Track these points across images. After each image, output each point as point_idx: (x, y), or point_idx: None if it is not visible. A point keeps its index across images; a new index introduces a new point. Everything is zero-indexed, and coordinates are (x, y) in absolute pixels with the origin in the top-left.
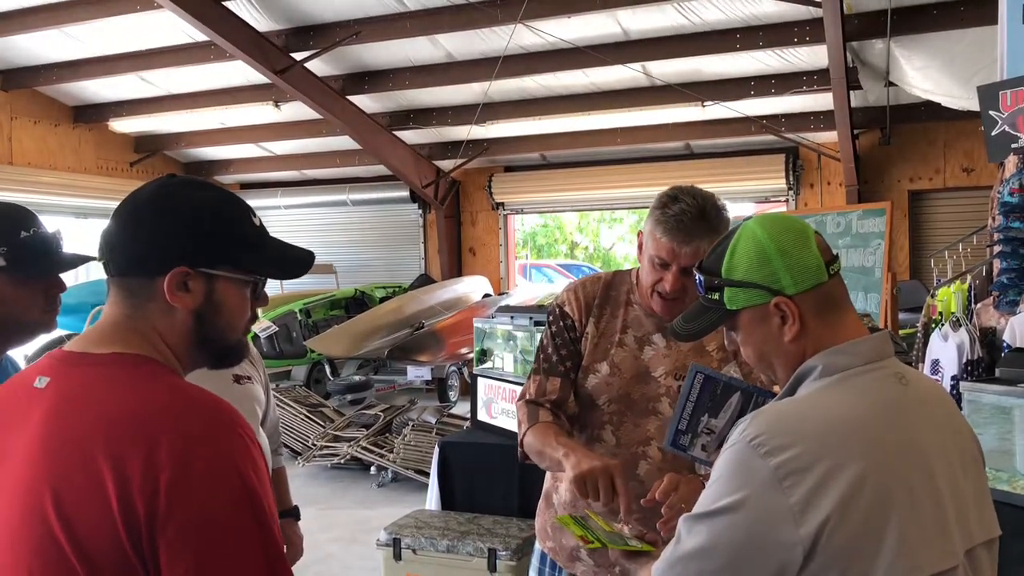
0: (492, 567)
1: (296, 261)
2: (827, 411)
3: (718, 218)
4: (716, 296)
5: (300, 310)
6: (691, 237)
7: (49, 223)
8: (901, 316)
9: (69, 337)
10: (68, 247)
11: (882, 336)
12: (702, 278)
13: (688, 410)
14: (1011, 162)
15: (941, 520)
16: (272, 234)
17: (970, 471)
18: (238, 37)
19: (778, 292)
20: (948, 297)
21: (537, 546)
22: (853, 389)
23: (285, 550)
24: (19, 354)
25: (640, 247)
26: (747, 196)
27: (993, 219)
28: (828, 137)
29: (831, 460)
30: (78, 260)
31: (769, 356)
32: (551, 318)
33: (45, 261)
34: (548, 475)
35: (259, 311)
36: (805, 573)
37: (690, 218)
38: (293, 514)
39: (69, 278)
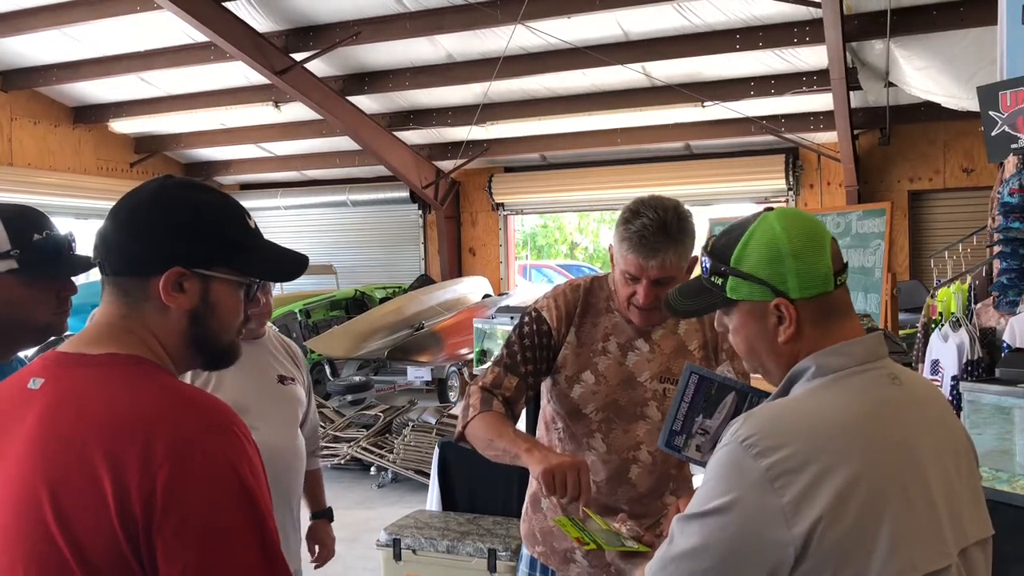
0: (492, 567)
1: (290, 264)
2: (820, 412)
3: (680, 228)
4: (719, 281)
5: (300, 311)
6: (655, 252)
7: (55, 225)
8: (901, 316)
9: (67, 337)
10: (79, 249)
11: (876, 337)
12: (709, 261)
13: (683, 410)
14: (1011, 162)
15: (934, 520)
16: (272, 235)
17: (964, 471)
18: (238, 38)
19: (781, 294)
20: (948, 297)
21: (525, 551)
22: (847, 390)
23: (317, 550)
24: (19, 355)
25: (612, 259)
26: (747, 196)
27: (993, 219)
28: (828, 137)
29: (824, 461)
30: (90, 262)
31: (759, 351)
32: (526, 319)
33: (57, 263)
34: (533, 479)
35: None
36: (797, 573)
37: (652, 232)
38: (326, 515)
39: (79, 279)
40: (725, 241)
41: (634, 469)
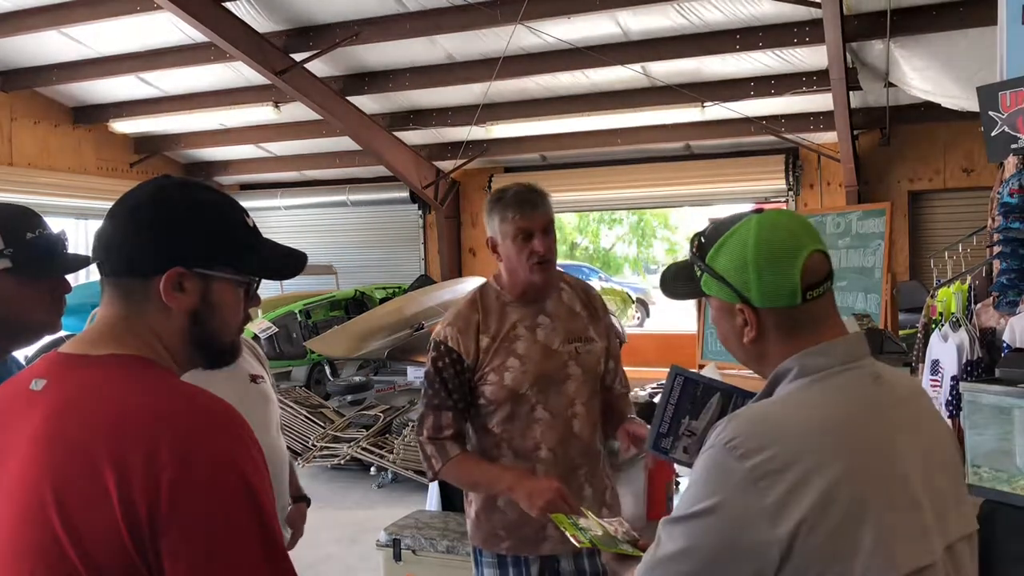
0: None
1: (290, 262)
2: (803, 412)
3: (541, 190)
4: (698, 273)
5: (300, 311)
6: (536, 204)
7: (49, 224)
8: (901, 316)
9: (68, 338)
10: (72, 248)
11: (856, 337)
12: (692, 253)
13: (669, 412)
14: (1011, 163)
15: (918, 518)
16: (272, 235)
17: (948, 468)
18: (238, 38)
19: (745, 300)
20: (948, 297)
21: (486, 556)
22: (829, 390)
23: (290, 535)
24: (19, 355)
25: (495, 248)
26: (747, 197)
27: (993, 220)
28: (828, 138)
29: (807, 461)
30: (83, 261)
31: (730, 345)
32: (435, 354)
33: (50, 262)
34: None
35: (258, 311)
36: (782, 574)
37: (527, 192)
38: (304, 499)
39: (75, 279)
40: (708, 237)
41: (576, 423)
